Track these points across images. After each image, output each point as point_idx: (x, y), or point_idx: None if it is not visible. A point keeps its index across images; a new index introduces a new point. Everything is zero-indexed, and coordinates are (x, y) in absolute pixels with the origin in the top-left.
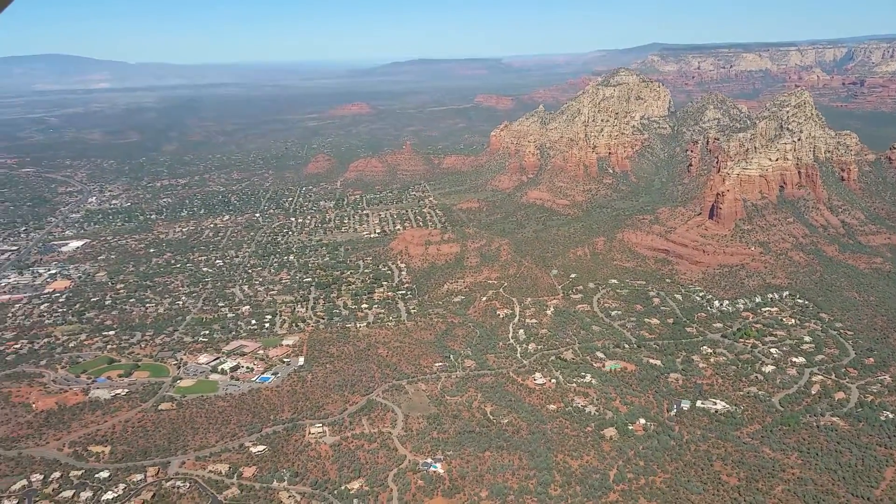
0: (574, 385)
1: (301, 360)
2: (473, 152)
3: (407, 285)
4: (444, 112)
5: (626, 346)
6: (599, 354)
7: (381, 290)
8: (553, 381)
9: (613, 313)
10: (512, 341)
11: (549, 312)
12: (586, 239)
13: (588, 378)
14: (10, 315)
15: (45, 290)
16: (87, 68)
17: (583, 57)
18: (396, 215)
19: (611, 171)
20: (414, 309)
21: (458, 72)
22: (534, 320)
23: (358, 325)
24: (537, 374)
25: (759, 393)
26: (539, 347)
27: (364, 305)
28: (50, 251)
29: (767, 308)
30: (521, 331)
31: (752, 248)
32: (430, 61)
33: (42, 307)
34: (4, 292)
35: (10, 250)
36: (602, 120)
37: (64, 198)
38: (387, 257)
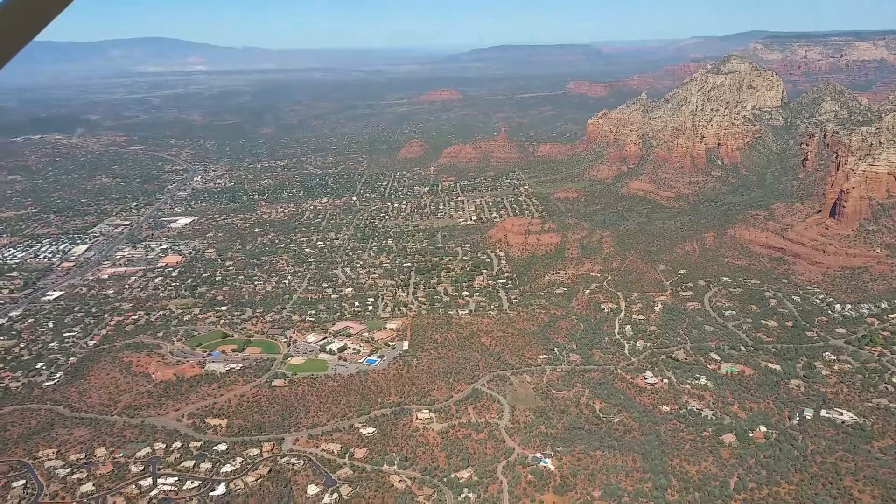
0: (688, 387)
1: (405, 345)
2: (568, 140)
3: (507, 274)
4: (533, 99)
5: (743, 348)
6: (714, 356)
7: (481, 278)
8: (665, 381)
9: (727, 313)
10: (618, 337)
11: (657, 309)
12: (694, 233)
13: (703, 380)
14: (126, 287)
15: (159, 264)
16: (184, 51)
17: (677, 44)
18: (492, 203)
19: (719, 162)
20: (515, 299)
21: (545, 58)
22: (641, 316)
23: (460, 313)
24: (648, 373)
25: (891, 405)
26: (648, 345)
27: (465, 293)
28: (160, 227)
29: (894, 315)
30: (628, 327)
31: (878, 250)
32: (516, 47)
33: (156, 280)
34: (120, 265)
35: (124, 224)
36: (711, 109)
37: (170, 176)
38: (485, 245)
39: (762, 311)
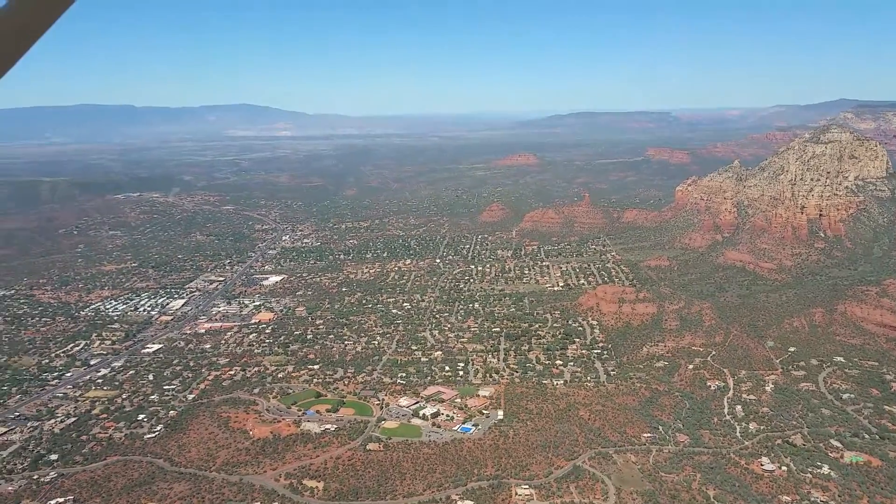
0: (809, 475)
1: (500, 414)
2: (650, 207)
3: (601, 344)
4: (612, 165)
5: (867, 435)
6: (835, 443)
7: (574, 346)
8: (783, 468)
9: (845, 396)
10: (728, 418)
11: (767, 389)
12: (801, 309)
13: (825, 469)
14: (222, 342)
15: (252, 321)
16: (272, 117)
17: (758, 112)
18: (578, 269)
19: (822, 234)
20: (613, 371)
21: (622, 125)
22: (751, 396)
23: (554, 382)
24: (764, 459)
25: None
26: (761, 428)
27: (558, 361)
28: (253, 284)
29: None
30: (738, 407)
31: None
32: (593, 114)
33: (251, 337)
34: (216, 320)
35: (218, 280)
36: (812, 179)
37: (260, 234)
38: (576, 313)
39: (884, 396)
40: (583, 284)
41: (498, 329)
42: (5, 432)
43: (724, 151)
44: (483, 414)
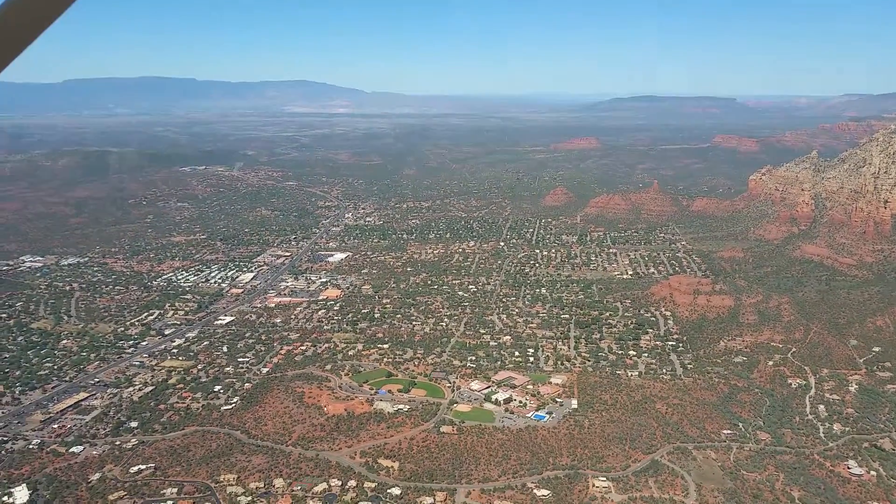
0: None
1: (574, 403)
2: (721, 196)
3: (676, 336)
4: (677, 151)
5: None
6: None
7: (647, 337)
8: (872, 472)
9: None
10: (811, 417)
11: (852, 389)
12: (885, 307)
13: None
14: (293, 317)
15: (320, 297)
16: (330, 94)
17: (827, 101)
18: (647, 257)
19: None
20: (689, 364)
21: (685, 110)
22: (835, 396)
23: (629, 373)
24: (851, 462)
25: None
26: (846, 429)
27: (631, 352)
28: (318, 260)
29: None
30: (821, 406)
31: None
32: (654, 98)
33: (319, 313)
34: (285, 295)
35: (284, 255)
36: None
37: (323, 211)
38: (647, 302)
39: None
40: (652, 273)
41: (567, 316)
42: (87, 397)
43: (794, 141)
44: (556, 402)
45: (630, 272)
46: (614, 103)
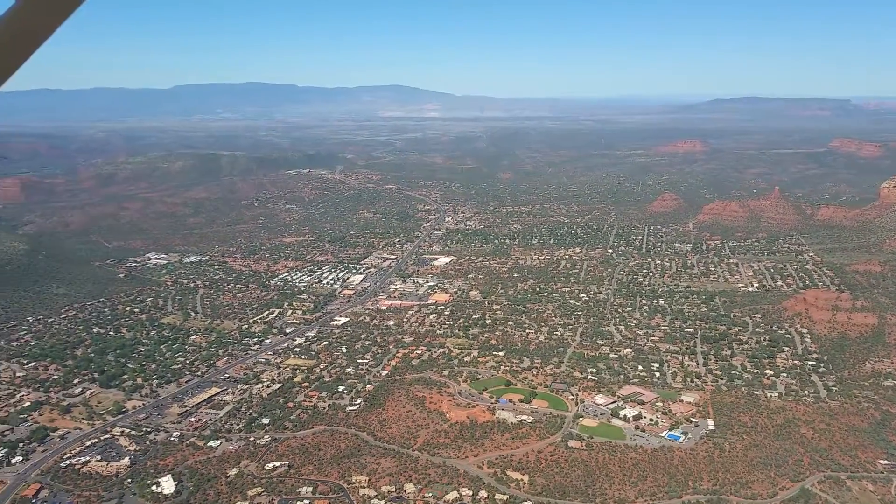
0: None
1: (710, 424)
2: (844, 204)
3: (816, 356)
4: (790, 156)
5: None
6: None
7: (783, 356)
8: None
9: None
10: None
11: None
12: None
13: None
14: (405, 320)
15: (429, 301)
16: (421, 98)
17: None
18: (773, 269)
19: None
20: (834, 386)
21: (793, 112)
22: None
23: (767, 394)
24: None
25: None
26: None
27: (767, 371)
28: (423, 264)
29: None
30: None
31: None
32: (758, 99)
33: (431, 317)
34: (395, 297)
35: (390, 258)
36: None
37: (424, 215)
38: (779, 318)
39: None
40: (780, 287)
41: (691, 329)
42: (219, 392)
43: None
44: (691, 422)
45: (755, 284)
46: (714, 105)
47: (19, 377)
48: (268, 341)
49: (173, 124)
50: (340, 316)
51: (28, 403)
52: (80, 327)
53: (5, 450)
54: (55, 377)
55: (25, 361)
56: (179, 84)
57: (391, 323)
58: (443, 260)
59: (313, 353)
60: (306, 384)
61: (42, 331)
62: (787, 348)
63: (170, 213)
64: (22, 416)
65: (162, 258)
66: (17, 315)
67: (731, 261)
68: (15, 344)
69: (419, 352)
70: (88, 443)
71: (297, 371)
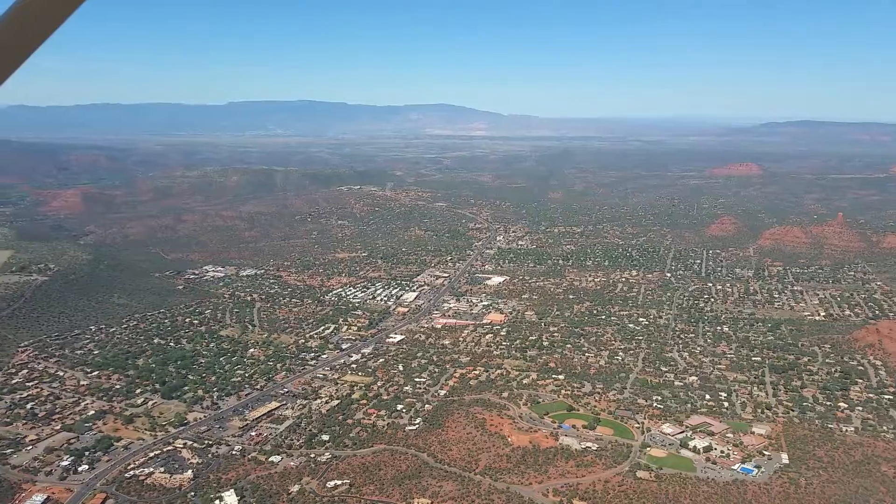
0: None
1: (784, 458)
2: None
3: (893, 389)
4: (849, 181)
5: None
6: None
7: (857, 388)
8: None
9: None
10: None
11: None
12: None
13: None
14: (460, 339)
15: (484, 321)
16: (468, 117)
17: None
18: (839, 297)
19: None
20: None
21: (850, 136)
22: None
23: (843, 428)
24: None
25: None
26: None
27: (841, 404)
28: (476, 283)
29: None
30: None
31: None
32: (813, 123)
33: (487, 337)
34: (449, 316)
35: (442, 276)
36: None
37: (475, 233)
38: (850, 348)
39: None
40: (849, 316)
41: (759, 358)
42: (278, 407)
43: None
44: (764, 455)
45: (822, 313)
46: (768, 128)
47: (83, 385)
48: (324, 356)
49: (226, 140)
50: (395, 333)
51: (92, 412)
52: (142, 338)
53: (72, 458)
54: (118, 387)
55: (89, 370)
56: (233, 101)
57: (447, 342)
58: (496, 279)
59: (370, 370)
60: (364, 401)
61: (104, 340)
62: (860, 380)
63: (226, 227)
64: (87, 424)
65: (219, 271)
66: (81, 324)
67: (794, 288)
68: (79, 352)
69: (476, 372)
70: (152, 454)
71: (355, 388)
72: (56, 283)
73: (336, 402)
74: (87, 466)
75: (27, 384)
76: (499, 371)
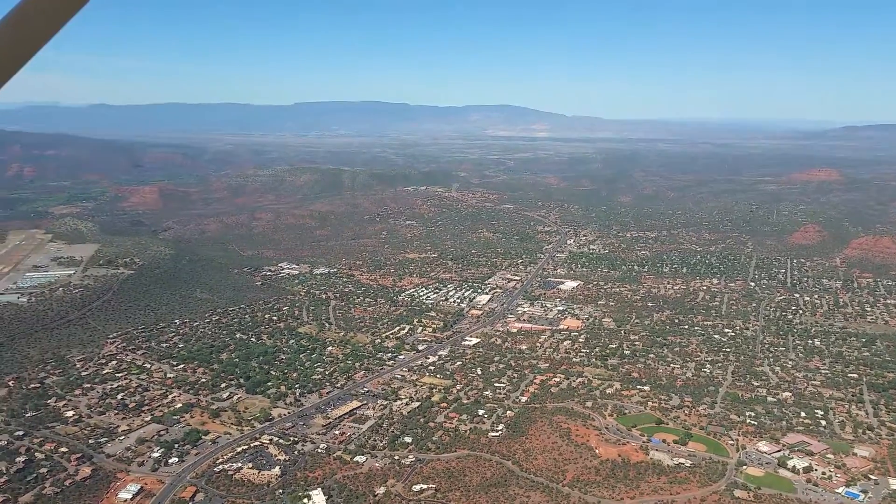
0: None
1: (893, 484)
2: None
3: None
4: None
5: None
6: None
7: None
8: None
9: None
10: None
11: None
12: None
13: None
14: (538, 344)
15: (561, 327)
16: (530, 118)
17: None
18: None
19: None
20: None
21: None
22: None
23: None
24: None
25: None
26: None
27: None
28: (549, 287)
29: None
30: None
31: None
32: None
33: (565, 343)
34: (525, 320)
35: (514, 279)
36: None
37: (544, 237)
38: None
39: None
40: None
41: (855, 375)
42: (359, 406)
43: None
44: (870, 479)
45: None
46: (847, 132)
47: (170, 378)
48: (401, 357)
49: (291, 139)
50: (471, 336)
51: (180, 405)
52: (224, 332)
53: (162, 450)
54: (203, 380)
55: (175, 363)
56: (299, 101)
57: (524, 347)
58: (569, 284)
59: (448, 372)
60: (445, 405)
61: (189, 334)
62: None
63: (298, 225)
64: (175, 416)
65: (294, 268)
66: (166, 317)
67: (888, 301)
68: (164, 345)
69: (557, 379)
70: (239, 449)
71: (434, 390)
72: (141, 276)
73: (416, 403)
74: (176, 459)
75: (117, 374)
76: (580, 379)
